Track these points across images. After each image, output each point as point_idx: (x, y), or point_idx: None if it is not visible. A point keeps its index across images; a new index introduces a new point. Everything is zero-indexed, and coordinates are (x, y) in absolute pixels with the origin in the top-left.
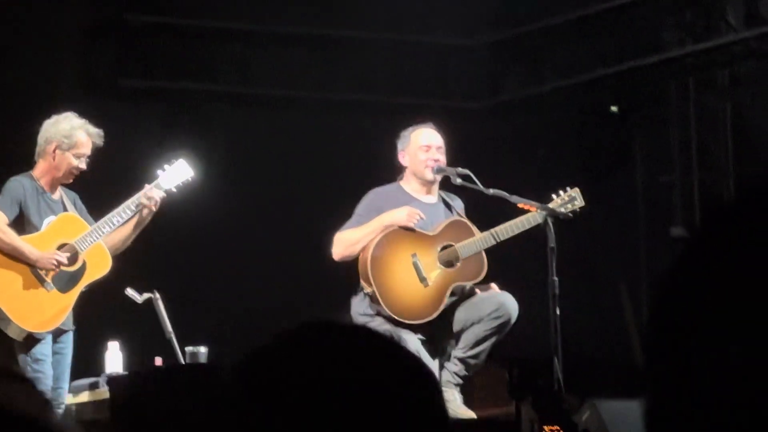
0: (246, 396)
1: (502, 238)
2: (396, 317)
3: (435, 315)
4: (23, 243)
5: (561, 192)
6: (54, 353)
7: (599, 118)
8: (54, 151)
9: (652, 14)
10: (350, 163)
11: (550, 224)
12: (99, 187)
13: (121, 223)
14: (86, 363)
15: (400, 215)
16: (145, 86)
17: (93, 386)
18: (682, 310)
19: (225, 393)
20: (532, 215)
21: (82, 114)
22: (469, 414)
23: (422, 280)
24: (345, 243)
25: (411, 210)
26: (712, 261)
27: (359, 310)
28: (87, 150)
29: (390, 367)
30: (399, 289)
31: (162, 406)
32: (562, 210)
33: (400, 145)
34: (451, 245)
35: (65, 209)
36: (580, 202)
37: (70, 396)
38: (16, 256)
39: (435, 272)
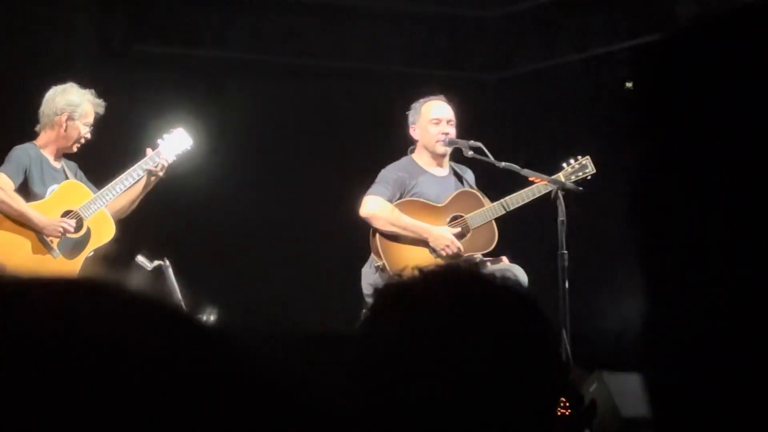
0: None
1: (512, 208)
2: None
3: None
4: (30, 209)
5: (572, 160)
6: None
7: (612, 92)
8: (66, 120)
9: None
10: (361, 132)
11: (561, 197)
12: (112, 152)
13: (123, 190)
14: None
15: (439, 241)
16: (159, 52)
17: None
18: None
19: None
20: (541, 185)
21: (97, 80)
22: None
23: (432, 251)
24: (383, 216)
25: (452, 243)
26: None
27: (369, 281)
28: (92, 119)
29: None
30: (409, 261)
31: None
32: (573, 178)
33: (410, 118)
34: (460, 216)
35: (67, 178)
36: (591, 170)
37: None
38: (23, 222)
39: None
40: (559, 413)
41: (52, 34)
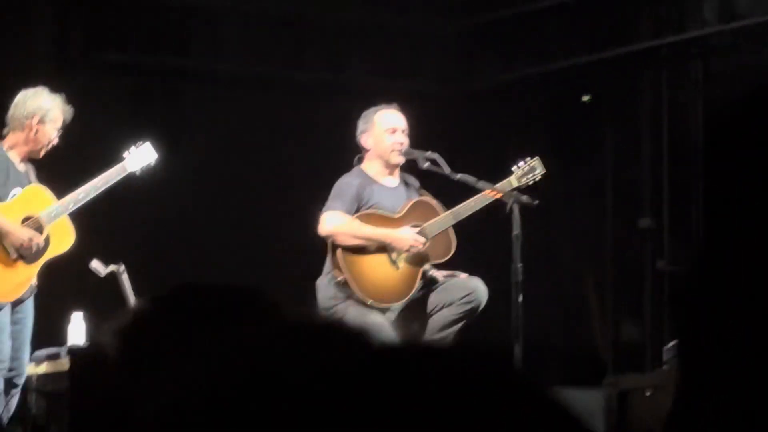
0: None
1: (463, 216)
2: (371, 301)
3: (409, 296)
4: None
5: (521, 162)
6: (14, 323)
7: (571, 107)
8: (36, 124)
9: (627, 4)
10: (320, 144)
11: (516, 211)
12: (69, 160)
13: (86, 200)
14: (50, 334)
15: (402, 242)
16: (117, 60)
17: (54, 357)
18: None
19: None
20: (492, 194)
21: (54, 87)
22: None
23: (393, 263)
24: (345, 230)
25: (417, 239)
26: None
27: (328, 294)
28: (61, 124)
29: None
30: (371, 273)
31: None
32: (524, 181)
33: (362, 126)
34: (418, 225)
35: (30, 182)
36: (540, 170)
37: (32, 365)
38: None
39: (404, 254)
40: None
41: (8, 40)
